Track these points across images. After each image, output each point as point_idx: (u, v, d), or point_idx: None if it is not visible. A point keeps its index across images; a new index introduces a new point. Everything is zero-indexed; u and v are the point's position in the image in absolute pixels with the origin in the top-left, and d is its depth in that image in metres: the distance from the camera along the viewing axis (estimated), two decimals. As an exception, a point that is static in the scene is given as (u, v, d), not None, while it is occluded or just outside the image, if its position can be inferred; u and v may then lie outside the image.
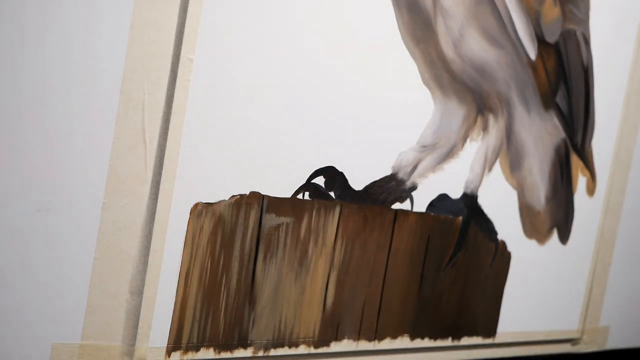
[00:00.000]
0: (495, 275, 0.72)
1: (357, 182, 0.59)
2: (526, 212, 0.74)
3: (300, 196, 0.56)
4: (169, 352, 0.51)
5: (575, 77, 0.74)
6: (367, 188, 0.60)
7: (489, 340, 0.72)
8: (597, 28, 0.76)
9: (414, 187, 0.63)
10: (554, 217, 0.77)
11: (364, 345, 0.62)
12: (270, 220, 0.54)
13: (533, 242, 0.76)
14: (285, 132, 0.54)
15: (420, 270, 0.65)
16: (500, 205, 0.71)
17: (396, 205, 0.62)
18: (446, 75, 0.63)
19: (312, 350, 0.59)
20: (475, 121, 0.66)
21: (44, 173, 0.44)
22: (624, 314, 0.88)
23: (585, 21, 0.74)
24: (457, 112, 0.65)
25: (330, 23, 0.55)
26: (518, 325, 0.76)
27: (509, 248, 0.73)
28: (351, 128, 0.58)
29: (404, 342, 0.65)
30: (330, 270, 0.59)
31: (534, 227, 0.75)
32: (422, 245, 0.65)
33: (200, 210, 0.51)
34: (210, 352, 0.53)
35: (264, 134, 0.53)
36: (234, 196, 0.52)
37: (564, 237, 0.79)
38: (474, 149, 0.67)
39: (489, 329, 0.72)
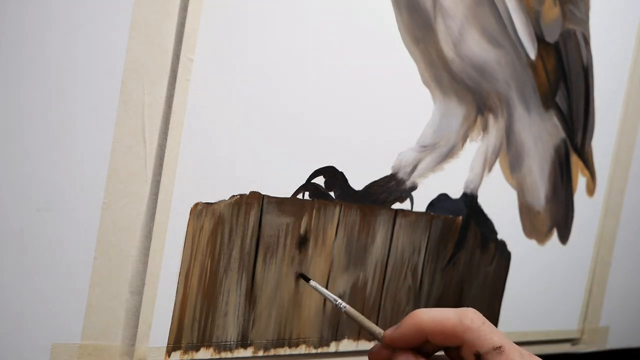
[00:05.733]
0: (495, 275, 0.72)
1: (357, 182, 0.59)
2: (526, 212, 0.74)
3: (300, 196, 0.56)
4: (169, 352, 0.51)
5: (575, 77, 0.74)
6: (367, 188, 0.60)
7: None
8: (597, 28, 0.76)
9: (414, 187, 0.63)
10: (554, 217, 0.77)
11: (364, 345, 0.62)
12: (270, 220, 0.54)
13: (533, 242, 0.76)
14: (285, 132, 0.54)
15: (420, 270, 0.65)
16: (500, 205, 0.71)
17: (396, 205, 0.62)
18: (446, 75, 0.63)
19: (312, 350, 0.59)
20: (475, 121, 0.66)
21: (44, 173, 0.44)
22: (624, 314, 0.88)
23: (585, 21, 0.74)
24: (457, 112, 0.65)
25: (331, 23, 0.55)
26: (518, 325, 0.76)
27: (509, 248, 0.73)
28: (351, 128, 0.58)
29: (404, 342, 0.65)
30: (330, 270, 0.59)
31: (534, 227, 0.75)
32: (422, 245, 0.65)
33: (200, 210, 0.50)
34: (210, 352, 0.53)
35: (264, 133, 0.53)
36: (234, 196, 0.52)
37: (564, 237, 0.79)
38: (474, 149, 0.67)
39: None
